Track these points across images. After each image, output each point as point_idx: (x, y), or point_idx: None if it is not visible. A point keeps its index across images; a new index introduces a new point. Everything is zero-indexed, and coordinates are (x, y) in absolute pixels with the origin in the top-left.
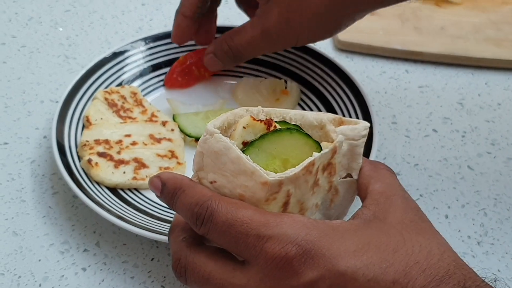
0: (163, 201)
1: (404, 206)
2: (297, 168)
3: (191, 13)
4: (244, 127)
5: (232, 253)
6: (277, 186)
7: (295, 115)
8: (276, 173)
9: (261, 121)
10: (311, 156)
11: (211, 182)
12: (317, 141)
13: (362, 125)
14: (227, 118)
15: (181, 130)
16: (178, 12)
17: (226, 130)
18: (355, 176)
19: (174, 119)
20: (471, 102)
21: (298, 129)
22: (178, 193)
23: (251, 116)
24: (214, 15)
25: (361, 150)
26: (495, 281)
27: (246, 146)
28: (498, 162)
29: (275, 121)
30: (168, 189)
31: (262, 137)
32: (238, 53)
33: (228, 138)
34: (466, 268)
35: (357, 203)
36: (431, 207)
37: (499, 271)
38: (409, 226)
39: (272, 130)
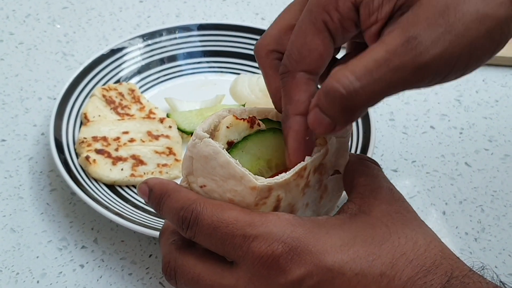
0: (151, 207)
1: (389, 198)
2: (288, 174)
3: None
4: (227, 127)
5: (220, 254)
6: (266, 191)
7: (277, 113)
8: (261, 174)
9: (244, 119)
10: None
11: (201, 187)
12: None
13: None
14: (213, 121)
15: (177, 127)
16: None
17: (213, 133)
18: (342, 172)
19: (167, 116)
20: (469, 99)
21: (280, 128)
22: (164, 198)
23: (233, 115)
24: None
25: (348, 145)
26: (482, 269)
27: (231, 146)
28: (496, 159)
29: (259, 119)
30: (155, 194)
31: (245, 138)
32: (352, 96)
33: (216, 142)
34: (453, 257)
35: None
36: (428, 203)
37: (496, 267)
38: (394, 217)
39: (255, 129)
